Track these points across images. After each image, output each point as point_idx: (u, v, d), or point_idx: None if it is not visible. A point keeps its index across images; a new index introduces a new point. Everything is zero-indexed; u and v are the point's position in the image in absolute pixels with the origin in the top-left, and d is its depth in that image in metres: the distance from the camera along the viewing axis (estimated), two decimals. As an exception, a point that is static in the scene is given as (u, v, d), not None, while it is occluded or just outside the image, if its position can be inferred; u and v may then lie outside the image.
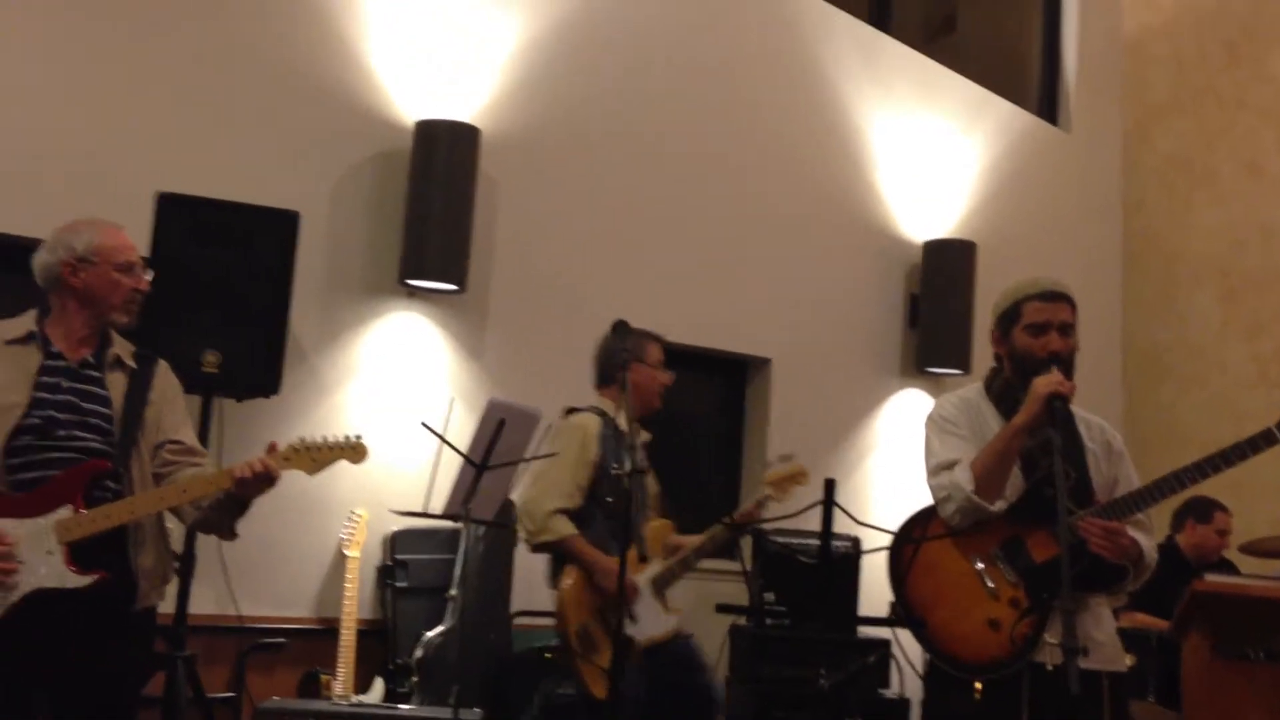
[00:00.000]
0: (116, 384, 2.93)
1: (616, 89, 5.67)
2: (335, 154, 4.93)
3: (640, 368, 4.32)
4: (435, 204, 4.92)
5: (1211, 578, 2.82)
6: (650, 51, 5.80)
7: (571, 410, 4.28)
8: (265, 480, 2.86)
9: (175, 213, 4.09)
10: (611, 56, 5.67)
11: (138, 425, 2.91)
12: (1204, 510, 5.21)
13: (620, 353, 3.67)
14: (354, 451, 3.02)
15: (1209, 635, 2.65)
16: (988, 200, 6.80)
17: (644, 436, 4.24)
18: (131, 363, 2.99)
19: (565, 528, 3.98)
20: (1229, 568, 5.21)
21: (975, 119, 6.86)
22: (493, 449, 3.56)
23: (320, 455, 2.98)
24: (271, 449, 2.90)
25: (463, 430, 3.81)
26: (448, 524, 4.29)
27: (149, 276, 3.00)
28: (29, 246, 2.93)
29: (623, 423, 4.15)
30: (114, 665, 2.88)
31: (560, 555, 4.04)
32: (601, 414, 4.27)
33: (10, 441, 2.77)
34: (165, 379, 3.05)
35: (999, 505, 2.94)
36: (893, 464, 6.23)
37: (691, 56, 5.92)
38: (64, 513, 2.75)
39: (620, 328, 3.50)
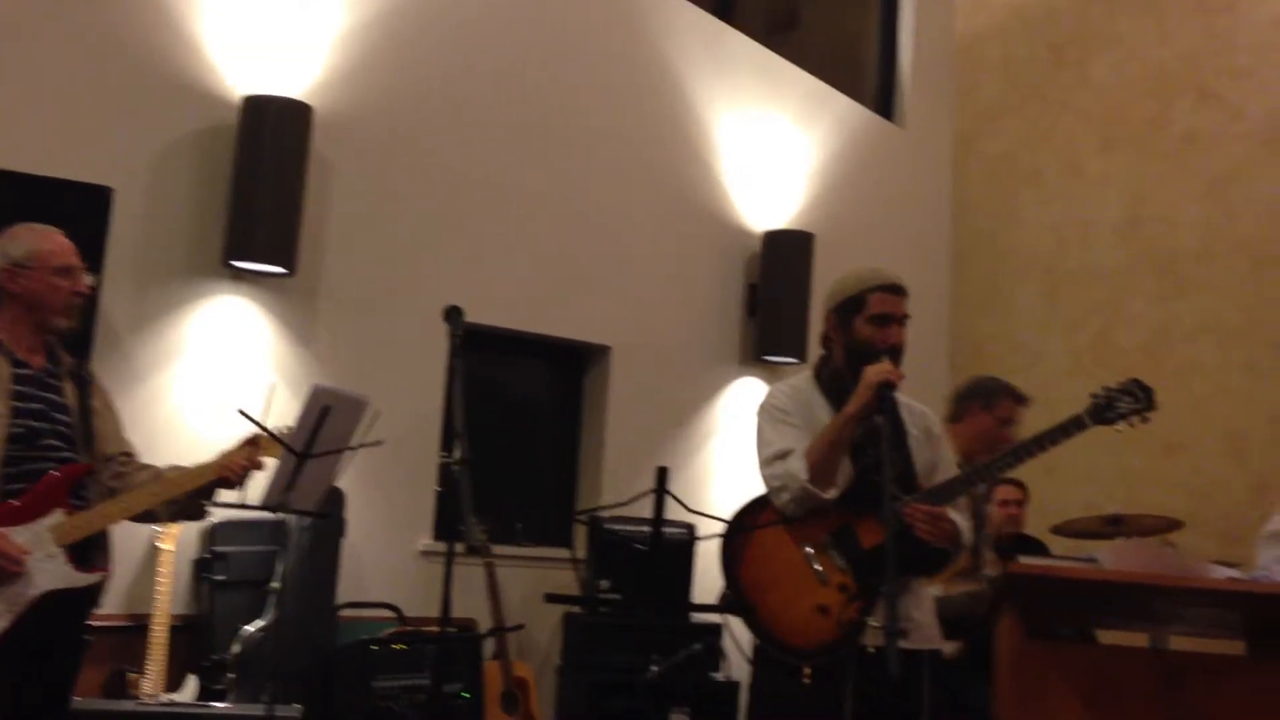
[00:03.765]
0: (70, 393, 3.04)
1: (456, 72, 5.56)
2: (154, 127, 4.71)
3: (983, 416, 4.08)
4: (263, 183, 4.74)
5: (1025, 560, 2.91)
6: (490, 35, 5.70)
7: None
8: (253, 471, 3.18)
9: (-27, 186, 3.84)
10: (451, 39, 5.56)
11: (93, 433, 3.05)
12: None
13: (453, 338, 3.53)
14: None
15: (1021, 616, 2.73)
16: (826, 193, 6.92)
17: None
18: (81, 372, 3.12)
19: None
20: (1042, 549, 5.42)
21: (816, 113, 6.97)
22: (316, 437, 3.43)
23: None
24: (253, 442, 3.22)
25: (289, 419, 3.67)
26: (272, 515, 4.14)
27: (90, 280, 3.12)
28: None
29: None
30: (78, 659, 3.13)
31: None
32: None
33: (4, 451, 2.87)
34: (100, 388, 3.19)
35: (831, 493, 2.98)
36: (731, 452, 6.28)
37: (532, 40, 5.85)
38: (57, 517, 2.88)
39: (453, 313, 3.41)
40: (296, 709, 4.00)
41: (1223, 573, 2.76)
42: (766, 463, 3.05)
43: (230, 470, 3.13)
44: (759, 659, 3.10)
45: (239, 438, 3.29)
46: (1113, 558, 2.82)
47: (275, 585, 4.48)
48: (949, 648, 3.65)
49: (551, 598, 3.52)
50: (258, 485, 3.45)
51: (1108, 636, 4.63)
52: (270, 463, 3.31)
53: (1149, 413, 2.93)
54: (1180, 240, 6.48)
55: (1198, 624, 3.10)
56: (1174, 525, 5.14)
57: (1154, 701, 2.62)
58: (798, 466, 2.97)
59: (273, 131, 4.77)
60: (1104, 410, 2.93)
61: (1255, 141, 6.26)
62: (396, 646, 4.48)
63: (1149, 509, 5.33)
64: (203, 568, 4.53)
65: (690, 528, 5.06)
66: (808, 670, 2.91)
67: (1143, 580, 2.68)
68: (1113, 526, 5.08)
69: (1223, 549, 5.37)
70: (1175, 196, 6.54)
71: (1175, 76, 6.62)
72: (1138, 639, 4.16)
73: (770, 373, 6.54)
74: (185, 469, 3.12)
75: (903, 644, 2.60)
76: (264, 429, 3.35)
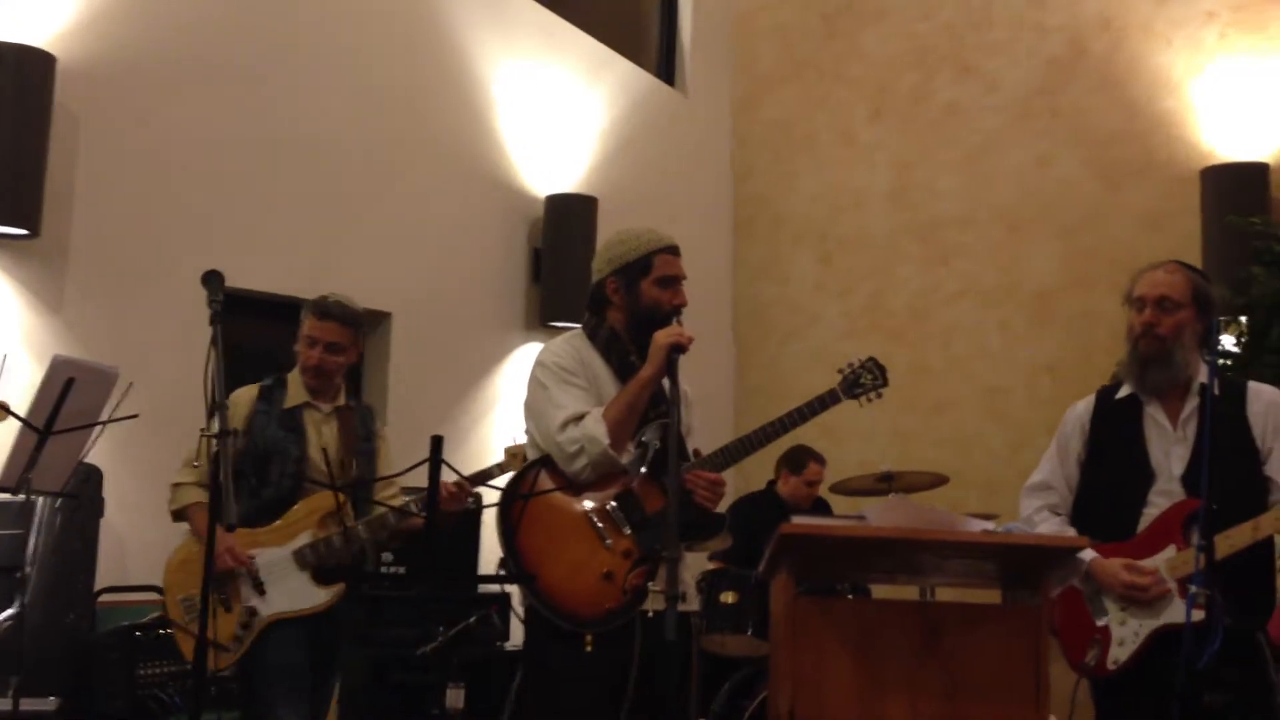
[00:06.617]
0: None
1: (216, 21, 5.26)
2: None
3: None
4: (1, 138, 4.38)
5: (798, 520, 2.98)
6: (256, -17, 5.42)
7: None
8: None
9: None
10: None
11: None
12: (797, 462, 5.58)
13: (212, 304, 3.33)
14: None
15: (793, 574, 2.80)
16: (609, 157, 6.91)
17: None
18: None
19: (187, 496, 3.71)
20: (824, 508, 5.62)
21: (598, 76, 6.94)
22: (59, 412, 3.18)
23: None
24: None
25: (31, 392, 3.40)
26: (14, 496, 3.84)
27: None
28: None
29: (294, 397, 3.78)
30: None
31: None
32: (270, 386, 3.80)
33: None
34: None
35: (626, 458, 2.97)
36: (516, 420, 6.21)
37: (302, -8, 5.59)
38: None
39: (211, 278, 3.20)
40: (52, 702, 3.75)
41: (979, 525, 2.90)
42: (560, 426, 3.01)
43: None
44: (533, 627, 3.06)
45: None
46: (878, 514, 2.93)
47: (24, 571, 4.17)
48: None
49: (322, 572, 3.36)
50: (-5, 466, 3.20)
51: (882, 591, 4.84)
52: None
53: (883, 389, 3.17)
54: (942, 208, 6.78)
55: (958, 575, 3.26)
56: (940, 481, 5.40)
57: (916, 650, 2.73)
58: (598, 430, 2.95)
59: (11, 81, 4.45)
60: (852, 385, 3.14)
61: (1009, 114, 6.60)
62: (162, 632, 4.25)
63: (920, 466, 5.59)
64: (-61, 556, 4.19)
65: (478, 496, 4.97)
66: (589, 637, 2.90)
67: (902, 536, 2.79)
68: (885, 483, 5.29)
69: (984, 502, 5.68)
70: (937, 166, 6.84)
71: (937, 49, 6.90)
72: (909, 592, 4.36)
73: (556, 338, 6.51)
74: None
75: (681, 608, 2.63)
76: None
